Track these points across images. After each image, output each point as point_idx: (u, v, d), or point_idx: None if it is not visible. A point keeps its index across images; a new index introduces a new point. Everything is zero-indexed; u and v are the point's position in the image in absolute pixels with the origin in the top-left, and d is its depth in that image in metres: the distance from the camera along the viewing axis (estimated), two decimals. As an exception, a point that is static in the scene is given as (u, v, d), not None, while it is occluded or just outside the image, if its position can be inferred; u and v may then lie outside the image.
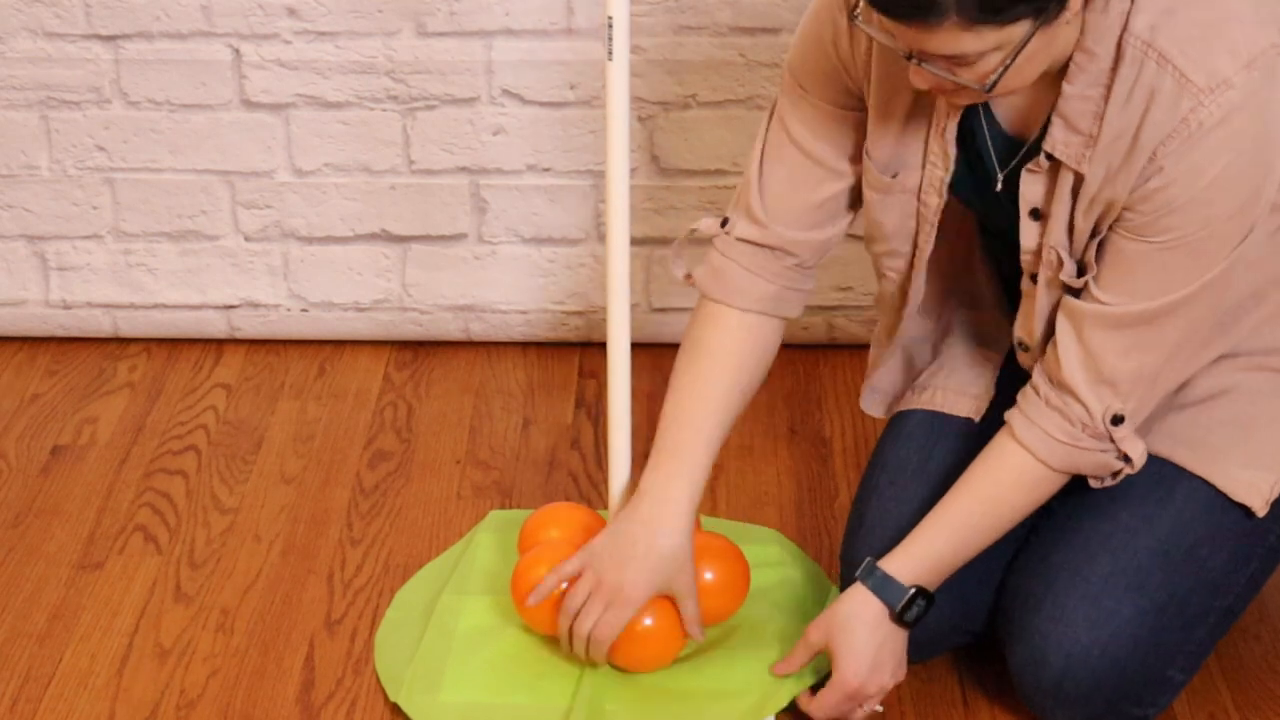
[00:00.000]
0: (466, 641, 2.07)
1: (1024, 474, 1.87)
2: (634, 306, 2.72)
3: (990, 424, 1.96)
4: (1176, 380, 1.87)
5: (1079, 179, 1.78)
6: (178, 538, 2.31)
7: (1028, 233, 1.85)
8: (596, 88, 2.61)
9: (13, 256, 2.74)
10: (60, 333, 2.79)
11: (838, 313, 2.72)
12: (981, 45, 1.64)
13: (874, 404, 2.16)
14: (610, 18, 1.90)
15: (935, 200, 1.90)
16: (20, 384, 2.68)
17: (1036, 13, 1.63)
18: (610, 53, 1.91)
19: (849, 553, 2.03)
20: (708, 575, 2.05)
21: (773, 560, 2.21)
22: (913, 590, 1.88)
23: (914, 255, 1.95)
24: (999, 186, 1.86)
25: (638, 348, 2.47)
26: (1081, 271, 1.82)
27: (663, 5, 2.57)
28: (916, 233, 1.93)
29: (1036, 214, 1.83)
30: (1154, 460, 1.93)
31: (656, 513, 1.95)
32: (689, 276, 2.04)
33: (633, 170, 2.65)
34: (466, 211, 2.69)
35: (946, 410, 2.06)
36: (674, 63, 2.60)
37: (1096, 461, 1.84)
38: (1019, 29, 1.64)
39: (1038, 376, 1.86)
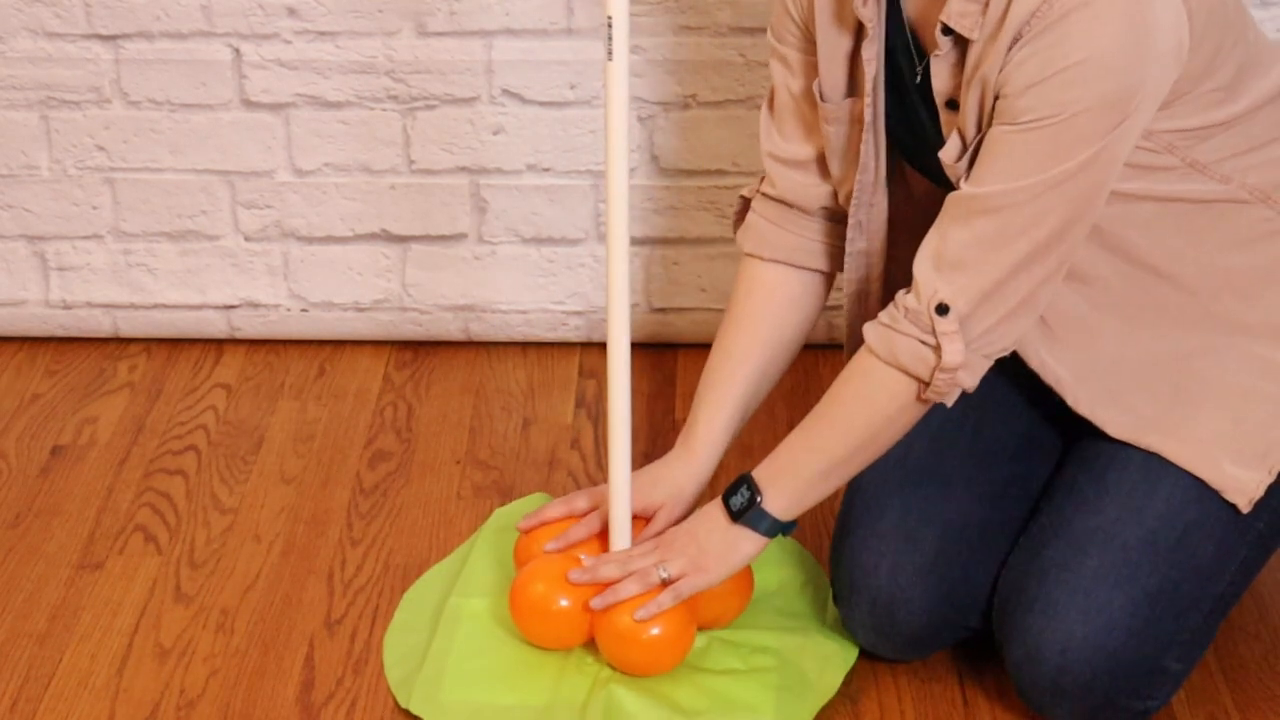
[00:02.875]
0: (475, 644, 2.07)
1: (858, 364, 1.90)
2: (634, 306, 2.72)
3: (969, 406, 1.97)
4: (1019, 297, 1.84)
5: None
6: (178, 538, 2.31)
7: (948, 128, 1.87)
8: (596, 88, 2.61)
9: (13, 256, 2.74)
10: (60, 333, 2.79)
11: (838, 313, 2.72)
12: None
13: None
14: (610, 18, 1.89)
15: (878, 100, 1.95)
16: (20, 384, 2.68)
17: None
18: (610, 53, 1.91)
19: (836, 556, 2.04)
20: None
21: (772, 560, 2.21)
22: (743, 476, 1.96)
23: (874, 171, 1.98)
24: (918, 78, 1.89)
25: (638, 348, 2.48)
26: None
27: (663, 5, 2.57)
28: (869, 139, 1.97)
29: (953, 104, 1.86)
30: (1141, 454, 1.95)
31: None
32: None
33: (633, 170, 2.65)
34: (466, 211, 2.69)
35: None
36: (674, 63, 2.60)
37: (912, 350, 1.85)
38: None
39: None
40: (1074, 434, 2.06)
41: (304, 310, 2.76)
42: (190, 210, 2.71)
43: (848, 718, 2.00)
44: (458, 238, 2.71)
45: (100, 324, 2.78)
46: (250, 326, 2.77)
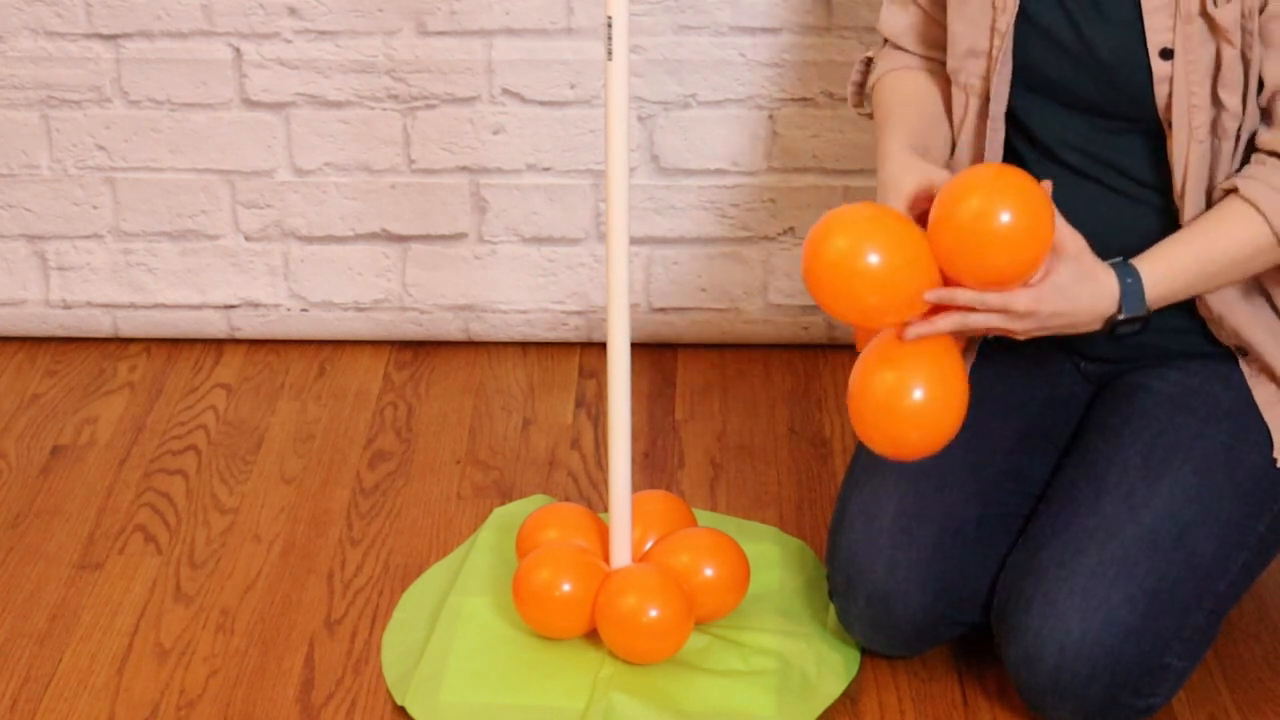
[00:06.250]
0: (473, 643, 2.08)
1: (1244, 225, 1.87)
2: (634, 306, 2.72)
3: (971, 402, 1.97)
4: None
5: None
6: (178, 538, 2.31)
7: (1153, 13, 1.85)
8: (596, 87, 2.61)
9: (13, 256, 2.74)
10: (60, 333, 2.79)
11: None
12: None
13: None
14: (610, 18, 1.89)
15: None
16: (20, 384, 2.68)
17: None
18: (610, 52, 1.91)
19: (832, 551, 2.04)
20: (708, 572, 2.06)
21: (772, 560, 2.21)
22: (1149, 312, 1.88)
23: (992, 49, 1.95)
24: None
25: (638, 348, 2.48)
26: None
27: (663, 5, 2.57)
28: (994, 16, 1.94)
29: None
30: (1140, 452, 1.96)
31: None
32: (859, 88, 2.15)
33: (633, 170, 2.65)
34: (466, 211, 2.69)
35: None
36: (674, 63, 2.59)
37: None
38: None
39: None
40: (1079, 428, 2.07)
41: (304, 310, 2.76)
42: (190, 210, 2.71)
43: (848, 718, 2.00)
44: (458, 237, 2.70)
45: (100, 324, 2.78)
46: (250, 326, 2.77)
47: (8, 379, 2.69)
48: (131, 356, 2.75)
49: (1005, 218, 1.77)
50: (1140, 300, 1.87)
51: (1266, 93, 1.87)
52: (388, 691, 2.04)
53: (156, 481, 2.43)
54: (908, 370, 1.83)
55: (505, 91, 2.62)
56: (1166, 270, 1.88)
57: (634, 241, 2.67)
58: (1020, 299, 1.83)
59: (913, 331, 1.83)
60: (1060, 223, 1.84)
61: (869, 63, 2.14)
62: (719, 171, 2.65)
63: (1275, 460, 1.96)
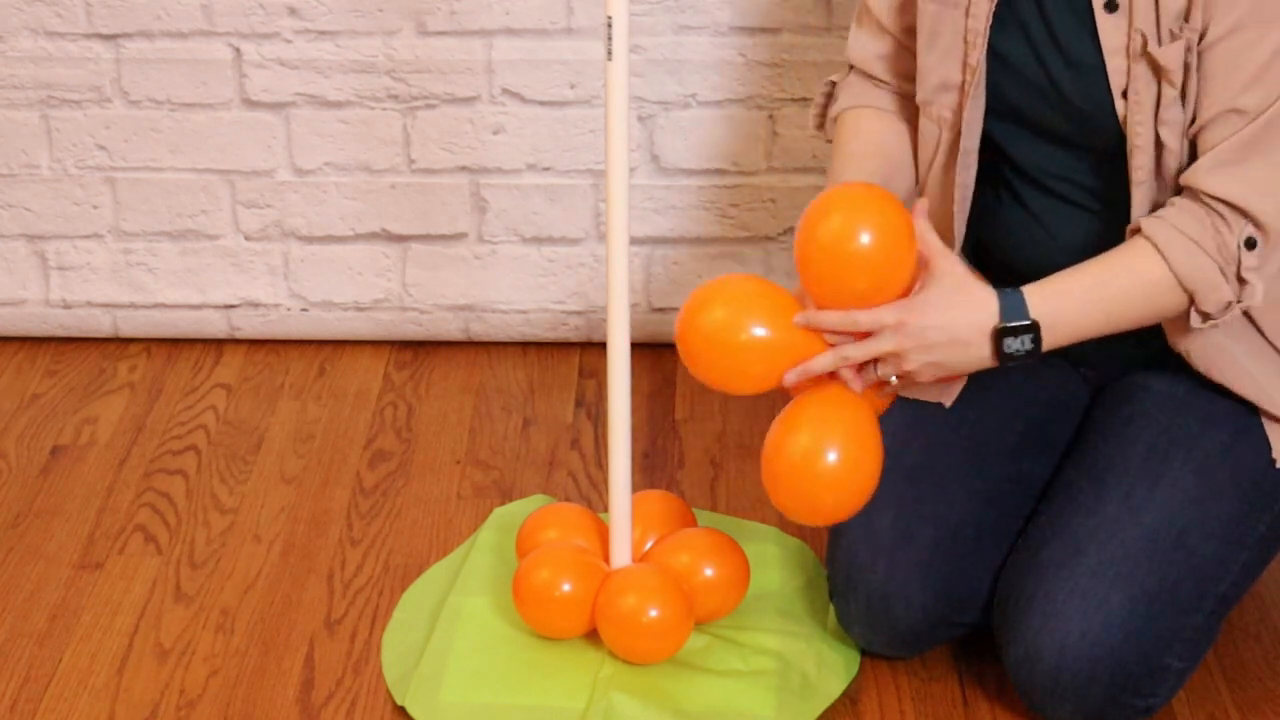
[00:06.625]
0: (473, 643, 2.07)
1: (1146, 268, 1.84)
2: (634, 306, 2.72)
3: (966, 404, 1.97)
4: None
5: None
6: (178, 538, 2.31)
7: (1107, 30, 1.84)
8: (596, 87, 2.61)
9: (13, 256, 2.74)
10: (60, 333, 2.79)
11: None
12: None
13: None
14: (610, 17, 1.89)
15: (985, 6, 1.90)
16: (20, 384, 2.68)
17: None
18: (610, 52, 1.91)
19: (832, 551, 2.04)
20: (708, 572, 2.06)
21: (772, 560, 2.21)
22: (1034, 321, 1.83)
23: (964, 84, 1.94)
24: None
25: (638, 348, 2.48)
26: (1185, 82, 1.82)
27: (663, 5, 2.57)
28: (966, 52, 1.93)
29: (1112, 6, 1.83)
30: (1140, 453, 1.95)
31: None
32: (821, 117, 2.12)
33: (633, 170, 2.65)
34: (466, 211, 2.69)
35: (920, 396, 2.06)
36: (674, 63, 2.59)
37: (1211, 281, 1.82)
38: None
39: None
40: (1079, 429, 2.07)
41: (304, 310, 2.76)
42: (190, 209, 2.71)
43: (848, 718, 2.00)
44: (458, 237, 2.70)
45: (100, 324, 2.78)
46: (250, 326, 2.77)
47: (8, 379, 2.69)
48: (131, 356, 2.75)
49: (865, 238, 1.80)
50: (1021, 309, 1.84)
51: (1194, 128, 1.86)
52: (388, 691, 2.04)
53: (156, 481, 2.43)
54: (818, 433, 1.84)
55: (505, 91, 2.62)
56: (1053, 290, 1.85)
57: (634, 241, 2.67)
58: (888, 311, 1.83)
59: (790, 376, 1.85)
60: (934, 244, 1.86)
61: (834, 87, 2.11)
62: (719, 171, 2.65)
63: (1275, 461, 1.96)
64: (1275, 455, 1.96)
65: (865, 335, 1.85)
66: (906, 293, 1.85)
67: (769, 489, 1.88)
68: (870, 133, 2.05)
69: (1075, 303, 1.85)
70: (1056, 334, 1.85)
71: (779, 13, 2.56)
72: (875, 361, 1.86)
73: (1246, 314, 1.92)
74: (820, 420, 1.85)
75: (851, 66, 2.09)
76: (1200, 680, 2.03)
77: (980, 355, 1.85)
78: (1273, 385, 1.96)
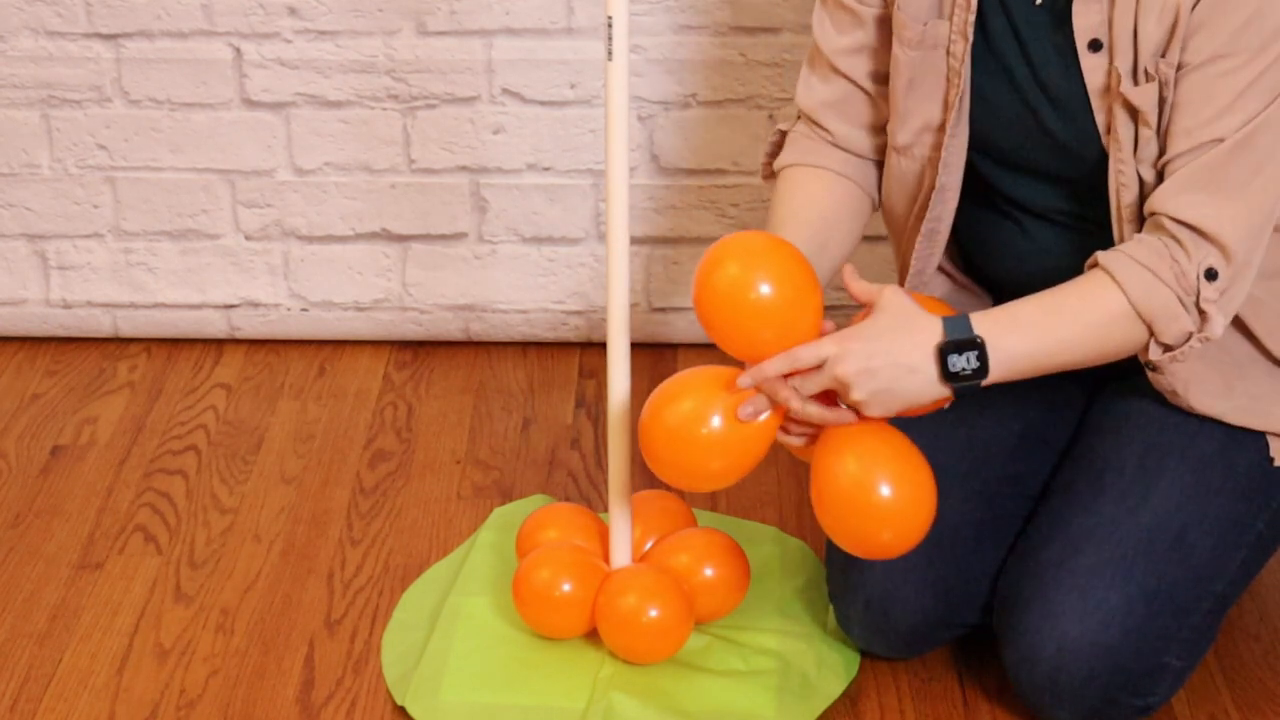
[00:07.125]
0: (473, 643, 2.08)
1: (1104, 301, 1.82)
2: (634, 306, 2.72)
3: (965, 405, 1.97)
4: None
5: None
6: (178, 538, 2.31)
7: (1091, 69, 1.83)
8: (596, 87, 2.61)
9: (13, 256, 2.74)
10: (60, 332, 2.79)
11: (838, 313, 2.72)
12: None
13: None
14: (610, 17, 1.89)
15: (962, 45, 1.89)
16: (20, 384, 2.68)
17: None
18: (610, 52, 1.91)
19: (831, 553, 2.04)
20: (707, 572, 2.06)
21: (772, 561, 2.21)
22: (977, 337, 1.80)
23: (945, 120, 1.93)
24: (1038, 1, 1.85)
25: (638, 348, 2.48)
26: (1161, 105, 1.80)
27: (663, 5, 2.57)
28: (947, 90, 1.92)
29: (1097, 45, 1.82)
30: (1137, 452, 1.95)
31: None
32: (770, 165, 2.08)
33: (633, 170, 2.65)
34: (466, 211, 2.69)
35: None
36: (674, 62, 2.60)
37: (1171, 312, 1.80)
38: None
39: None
40: (1076, 429, 2.07)
41: (304, 310, 2.76)
42: (190, 209, 2.71)
43: (848, 718, 2.00)
44: (458, 237, 2.71)
45: (100, 323, 2.78)
46: (250, 326, 2.77)
47: (8, 379, 2.69)
48: (131, 356, 2.75)
49: (764, 289, 1.81)
50: (965, 326, 1.80)
51: (1163, 159, 1.84)
52: (388, 691, 2.04)
53: (156, 481, 2.43)
54: (866, 463, 1.83)
55: (505, 91, 2.62)
56: (1000, 311, 1.83)
57: (634, 241, 2.67)
58: (828, 342, 1.81)
59: (744, 412, 1.84)
60: (869, 286, 1.84)
61: (783, 136, 2.07)
62: (719, 171, 2.65)
63: (1272, 459, 1.96)
64: (1273, 454, 1.96)
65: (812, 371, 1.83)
66: (810, 330, 1.84)
67: (821, 521, 1.87)
68: (811, 195, 2.01)
69: (1022, 326, 1.82)
70: (1003, 354, 1.81)
71: (779, 13, 2.56)
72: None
73: (1239, 321, 1.92)
74: (874, 454, 1.84)
75: (800, 115, 2.06)
76: (1200, 680, 2.03)
77: (928, 378, 1.80)
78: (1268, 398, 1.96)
